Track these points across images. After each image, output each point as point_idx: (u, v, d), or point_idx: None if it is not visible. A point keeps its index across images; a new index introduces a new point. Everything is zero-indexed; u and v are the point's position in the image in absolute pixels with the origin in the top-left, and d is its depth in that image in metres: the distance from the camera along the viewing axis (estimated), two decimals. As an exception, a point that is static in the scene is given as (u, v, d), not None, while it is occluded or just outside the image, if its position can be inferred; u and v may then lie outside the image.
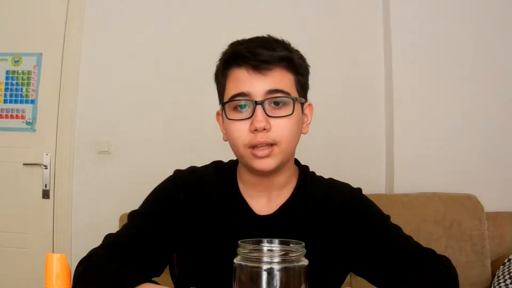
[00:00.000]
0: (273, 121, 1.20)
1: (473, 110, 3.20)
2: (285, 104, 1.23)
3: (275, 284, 0.82)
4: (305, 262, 0.84)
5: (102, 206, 3.33)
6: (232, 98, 1.23)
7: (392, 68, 3.24)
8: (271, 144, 1.21)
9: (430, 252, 1.27)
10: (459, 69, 3.20)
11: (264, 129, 1.19)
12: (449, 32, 3.22)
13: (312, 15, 3.42)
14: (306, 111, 1.33)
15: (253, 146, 1.21)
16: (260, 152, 1.21)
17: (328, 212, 1.33)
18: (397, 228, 1.33)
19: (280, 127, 1.21)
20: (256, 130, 1.19)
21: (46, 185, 3.40)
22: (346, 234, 1.31)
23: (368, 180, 3.25)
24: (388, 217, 1.37)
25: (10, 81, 3.49)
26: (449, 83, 3.20)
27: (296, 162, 1.40)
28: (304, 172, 1.39)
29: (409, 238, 1.31)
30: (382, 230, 1.31)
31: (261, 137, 1.19)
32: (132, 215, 1.33)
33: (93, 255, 1.18)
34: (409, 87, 3.22)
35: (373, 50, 3.40)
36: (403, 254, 1.25)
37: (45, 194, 3.40)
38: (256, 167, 1.23)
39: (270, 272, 0.82)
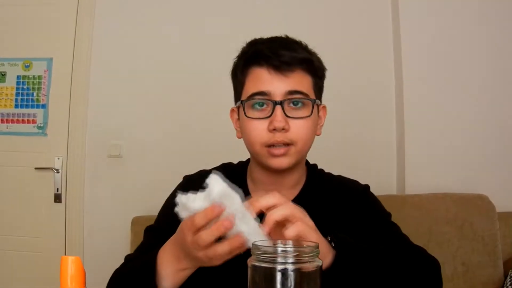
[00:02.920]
0: (291, 122, 1.22)
1: (484, 110, 3.19)
2: (304, 105, 1.24)
3: (289, 285, 0.82)
4: (319, 262, 0.85)
5: (114, 210, 3.34)
6: (251, 96, 1.25)
7: (402, 69, 3.24)
8: (288, 144, 1.22)
9: (421, 250, 1.27)
10: (470, 69, 3.19)
11: (283, 129, 1.20)
12: (460, 32, 3.22)
13: (323, 18, 3.42)
14: (321, 113, 1.35)
15: (270, 145, 1.22)
16: (277, 150, 1.22)
17: (335, 210, 1.33)
18: (396, 227, 1.34)
19: (298, 128, 1.22)
20: (274, 129, 1.20)
21: (58, 189, 3.41)
22: (352, 229, 1.30)
23: (380, 181, 3.24)
24: (389, 214, 1.38)
25: (21, 86, 3.51)
26: (459, 83, 3.19)
27: (306, 162, 1.41)
28: (312, 171, 1.41)
29: (406, 237, 1.32)
30: (381, 227, 1.32)
31: (279, 137, 1.21)
32: (146, 230, 1.36)
33: (114, 272, 1.23)
34: (419, 88, 3.22)
35: (383, 51, 3.40)
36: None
37: (57, 198, 3.41)
38: (272, 165, 1.25)
39: (284, 272, 0.82)
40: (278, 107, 1.20)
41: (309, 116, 1.24)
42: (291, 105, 1.23)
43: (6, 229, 3.45)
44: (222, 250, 0.95)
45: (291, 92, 1.22)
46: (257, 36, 1.34)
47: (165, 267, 1.08)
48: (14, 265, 3.40)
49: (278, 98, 1.21)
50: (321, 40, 3.34)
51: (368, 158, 3.34)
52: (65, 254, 3.36)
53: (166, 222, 1.33)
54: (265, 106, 1.23)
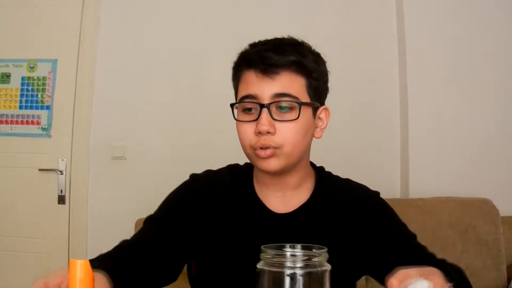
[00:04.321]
0: (278, 125, 1.21)
1: (487, 114, 3.19)
2: (291, 108, 1.23)
3: (297, 289, 0.82)
4: (327, 267, 0.85)
5: (118, 212, 3.34)
6: (240, 100, 1.26)
7: (406, 73, 3.24)
8: (275, 147, 1.22)
9: (445, 261, 1.26)
10: (474, 73, 3.19)
11: (269, 132, 1.20)
12: (464, 34, 3.22)
13: (327, 18, 3.42)
14: (322, 115, 1.33)
15: (257, 148, 1.22)
16: (262, 153, 1.21)
17: (347, 213, 1.33)
18: (413, 237, 1.34)
19: (285, 131, 1.21)
20: (259, 133, 1.20)
21: (61, 190, 3.41)
22: (364, 237, 1.31)
23: (383, 185, 3.20)
24: (405, 225, 1.37)
25: (25, 87, 3.52)
26: (464, 87, 3.19)
27: (311, 164, 1.40)
28: (320, 173, 1.40)
29: (424, 248, 1.30)
30: (399, 237, 1.32)
31: (264, 140, 1.20)
32: (146, 220, 1.35)
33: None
34: (423, 92, 3.22)
35: (388, 54, 3.40)
36: (418, 263, 1.24)
37: (61, 200, 3.42)
38: (260, 167, 1.25)
39: (293, 277, 0.82)
40: (264, 110, 1.20)
41: (296, 119, 1.22)
42: (279, 108, 1.23)
43: (10, 230, 3.45)
44: None
45: (278, 95, 1.21)
46: (260, 37, 1.34)
47: None
48: (18, 266, 3.40)
49: (265, 101, 1.21)
50: (323, 41, 3.34)
51: (372, 161, 3.34)
52: (68, 256, 3.36)
53: (168, 214, 1.33)
54: (253, 109, 1.24)
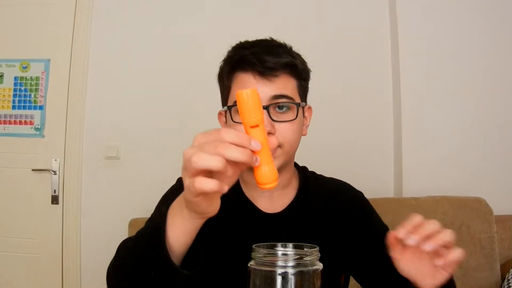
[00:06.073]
0: (277, 125, 1.23)
1: (481, 113, 3.19)
2: (289, 109, 1.26)
3: (289, 288, 0.82)
4: (319, 266, 0.85)
5: (111, 212, 3.33)
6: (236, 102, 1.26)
7: (399, 72, 3.24)
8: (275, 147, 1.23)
9: None
10: (467, 73, 3.19)
11: (269, 133, 1.21)
12: (457, 36, 3.22)
13: (321, 19, 3.42)
14: (306, 113, 1.38)
15: None
16: None
17: (333, 212, 1.37)
18: None
19: (284, 131, 1.24)
20: None
21: (55, 190, 3.40)
22: (349, 234, 1.35)
23: (377, 184, 3.24)
24: (387, 226, 1.40)
25: (18, 87, 3.50)
26: (456, 87, 3.19)
27: (294, 164, 1.43)
28: (304, 172, 1.44)
29: None
30: (381, 239, 1.33)
31: None
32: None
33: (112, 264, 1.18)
34: (417, 91, 3.22)
35: (381, 54, 3.39)
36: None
37: (54, 200, 3.41)
38: None
39: (284, 276, 0.82)
40: (264, 112, 1.21)
41: (294, 119, 1.26)
42: (277, 109, 1.25)
43: (3, 230, 3.44)
44: (206, 183, 0.84)
45: (276, 97, 1.24)
46: (251, 38, 1.34)
47: (171, 217, 0.98)
48: (11, 267, 3.39)
49: (263, 103, 1.22)
50: (317, 42, 3.35)
51: (365, 161, 3.34)
52: (62, 256, 3.35)
53: None
54: None
